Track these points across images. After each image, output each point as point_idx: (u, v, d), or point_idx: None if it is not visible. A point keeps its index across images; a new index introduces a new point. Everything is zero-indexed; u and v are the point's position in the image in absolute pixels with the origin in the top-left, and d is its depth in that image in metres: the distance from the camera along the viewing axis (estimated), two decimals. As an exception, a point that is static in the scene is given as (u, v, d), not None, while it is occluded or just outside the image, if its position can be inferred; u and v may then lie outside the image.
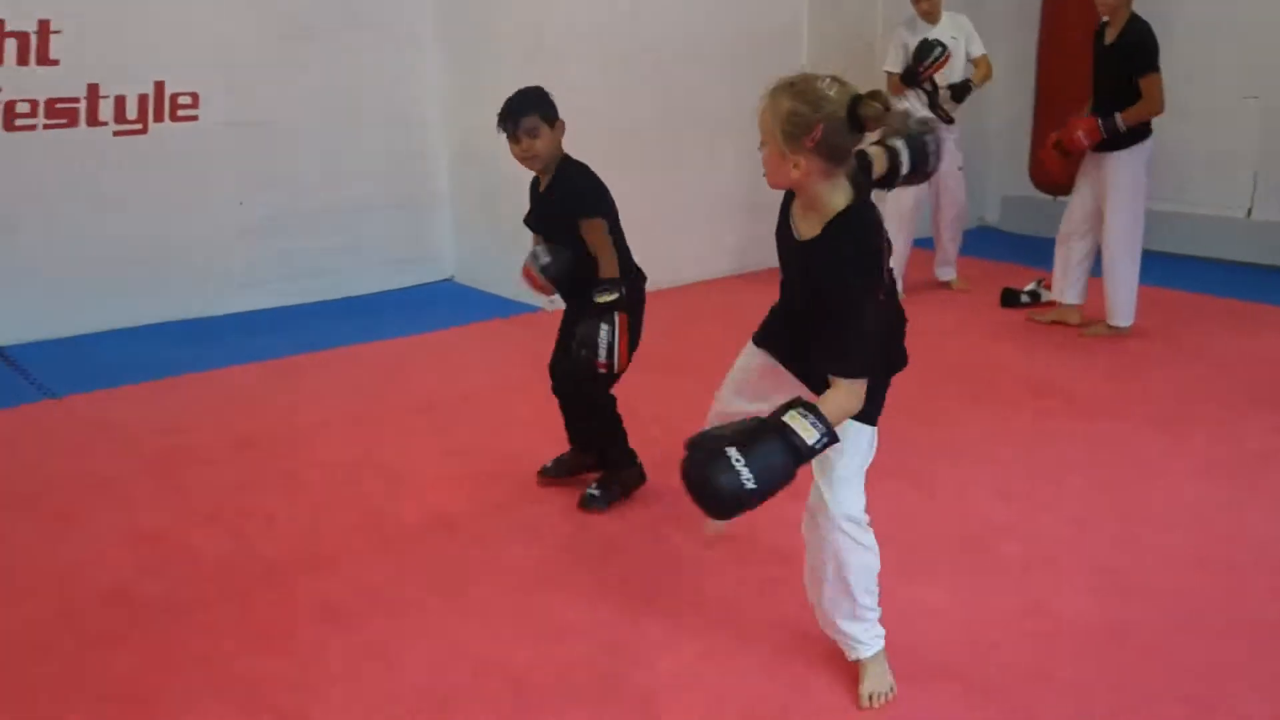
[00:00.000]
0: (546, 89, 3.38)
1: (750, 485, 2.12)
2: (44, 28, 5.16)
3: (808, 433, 2.16)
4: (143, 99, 5.47)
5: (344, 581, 3.13)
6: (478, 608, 3.00)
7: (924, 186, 6.12)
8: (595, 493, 3.57)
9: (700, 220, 6.69)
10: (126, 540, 3.36)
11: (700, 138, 6.56)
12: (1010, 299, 5.96)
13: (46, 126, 5.25)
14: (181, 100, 5.57)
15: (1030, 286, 5.94)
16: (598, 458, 3.66)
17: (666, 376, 4.56)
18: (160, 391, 4.70)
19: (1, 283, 5.25)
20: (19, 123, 5.18)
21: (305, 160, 6.05)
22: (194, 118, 5.64)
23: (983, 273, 6.53)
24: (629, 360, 3.28)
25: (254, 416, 4.43)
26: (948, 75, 5.93)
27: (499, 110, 3.45)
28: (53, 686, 2.64)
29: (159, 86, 5.51)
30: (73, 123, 5.31)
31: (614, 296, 3.25)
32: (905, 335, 2.54)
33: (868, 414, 2.37)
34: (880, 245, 2.28)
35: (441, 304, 6.31)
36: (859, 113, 2.18)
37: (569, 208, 3.38)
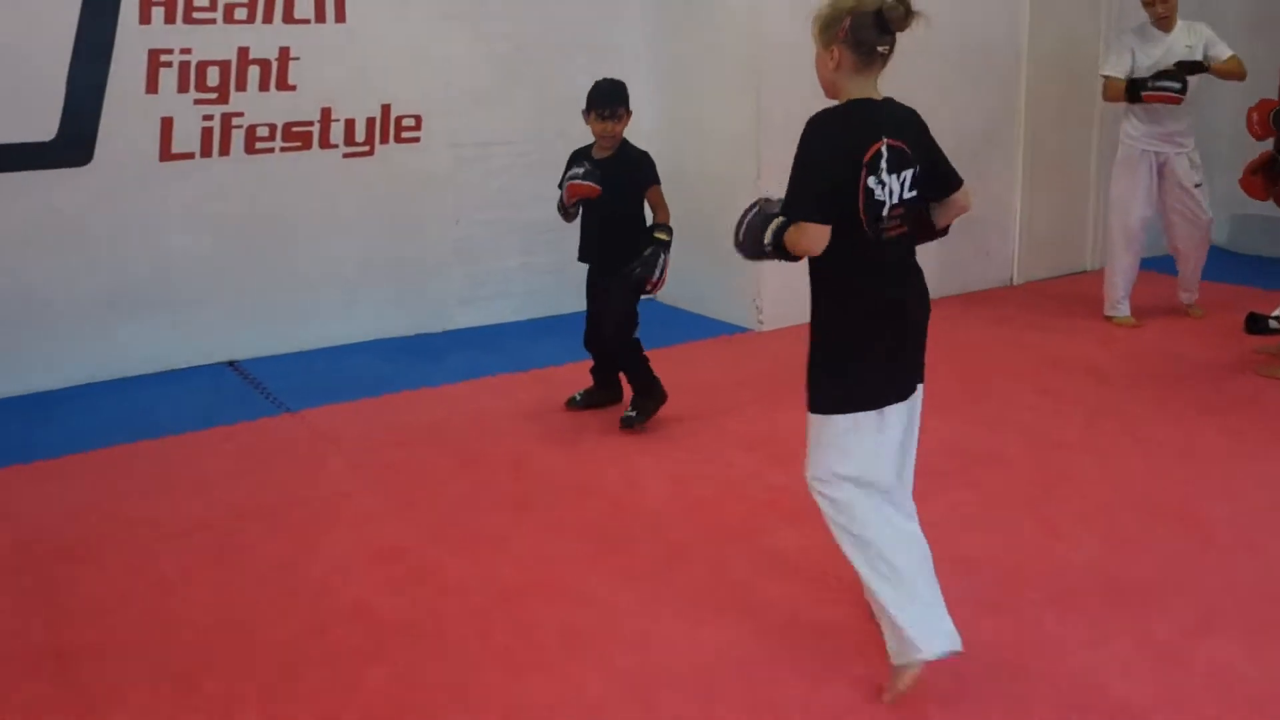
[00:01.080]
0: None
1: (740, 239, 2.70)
2: (284, 54, 5.40)
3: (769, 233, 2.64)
4: (370, 122, 5.67)
5: (585, 607, 3.11)
6: (733, 643, 2.91)
7: (1152, 203, 5.79)
8: (632, 414, 4.51)
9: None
10: (367, 558, 3.43)
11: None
12: (1256, 325, 5.51)
13: (283, 149, 5.49)
14: (406, 123, 5.74)
15: (1278, 311, 5.49)
16: (632, 386, 4.57)
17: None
18: (387, 407, 4.83)
19: (237, 298, 5.51)
20: (259, 145, 5.43)
21: (518, 180, 6.14)
22: (416, 139, 5.81)
23: (1218, 297, 6.11)
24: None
25: (476, 435, 4.49)
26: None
27: (590, 95, 4.51)
28: (312, 705, 2.69)
29: (385, 110, 5.69)
30: (306, 145, 5.54)
31: (670, 236, 4.37)
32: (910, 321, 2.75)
33: (831, 398, 2.66)
34: (833, 136, 2.57)
35: (646, 323, 6.28)
36: (884, 13, 2.54)
37: (640, 175, 4.46)
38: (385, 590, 3.23)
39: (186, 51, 5.18)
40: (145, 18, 5.06)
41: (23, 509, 3.81)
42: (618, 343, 4.53)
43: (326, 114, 5.56)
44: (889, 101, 2.67)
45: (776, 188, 5.86)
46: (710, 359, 5.59)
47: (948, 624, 2.61)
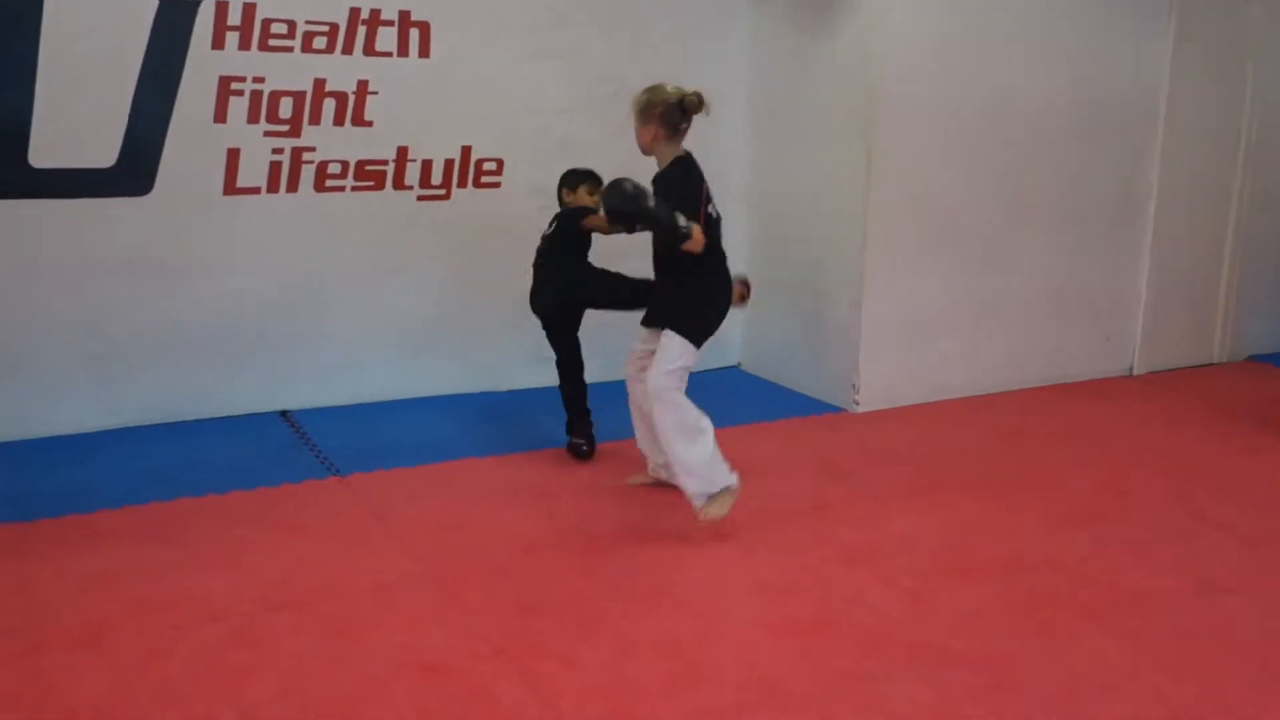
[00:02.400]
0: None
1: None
2: (362, 88, 5.05)
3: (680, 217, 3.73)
4: (449, 164, 5.29)
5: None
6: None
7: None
8: (578, 441, 4.66)
9: (1020, 319, 5.93)
10: (403, 671, 2.95)
11: (1027, 222, 5.86)
12: None
13: (354, 188, 5.13)
14: (487, 166, 5.34)
15: None
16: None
17: (1002, 507, 3.83)
18: (443, 478, 4.38)
19: (294, 343, 5.14)
20: (329, 183, 5.07)
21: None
22: (497, 185, 5.41)
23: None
24: None
25: (538, 516, 4.02)
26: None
27: (583, 171, 4.78)
28: None
29: (465, 152, 5.31)
30: (379, 185, 5.17)
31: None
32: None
33: (686, 329, 3.92)
34: (695, 169, 3.94)
35: (727, 395, 5.79)
36: (683, 102, 3.81)
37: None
38: (426, 713, 2.75)
39: (259, 80, 4.84)
40: (218, 42, 4.74)
41: (40, 576, 3.41)
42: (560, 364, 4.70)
43: (403, 153, 5.18)
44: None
45: (886, 260, 5.38)
46: (800, 442, 5.06)
47: None
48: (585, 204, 4.63)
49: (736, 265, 6.14)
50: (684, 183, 3.83)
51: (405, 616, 3.25)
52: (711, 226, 3.88)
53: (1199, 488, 4.51)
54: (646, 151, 3.92)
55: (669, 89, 3.85)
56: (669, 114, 3.83)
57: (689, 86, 5.83)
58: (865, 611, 3.38)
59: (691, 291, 3.94)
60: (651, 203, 3.68)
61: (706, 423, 3.88)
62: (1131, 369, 6.41)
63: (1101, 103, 5.90)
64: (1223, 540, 3.97)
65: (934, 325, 5.69)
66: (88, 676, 2.86)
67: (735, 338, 6.31)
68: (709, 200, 3.91)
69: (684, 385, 3.91)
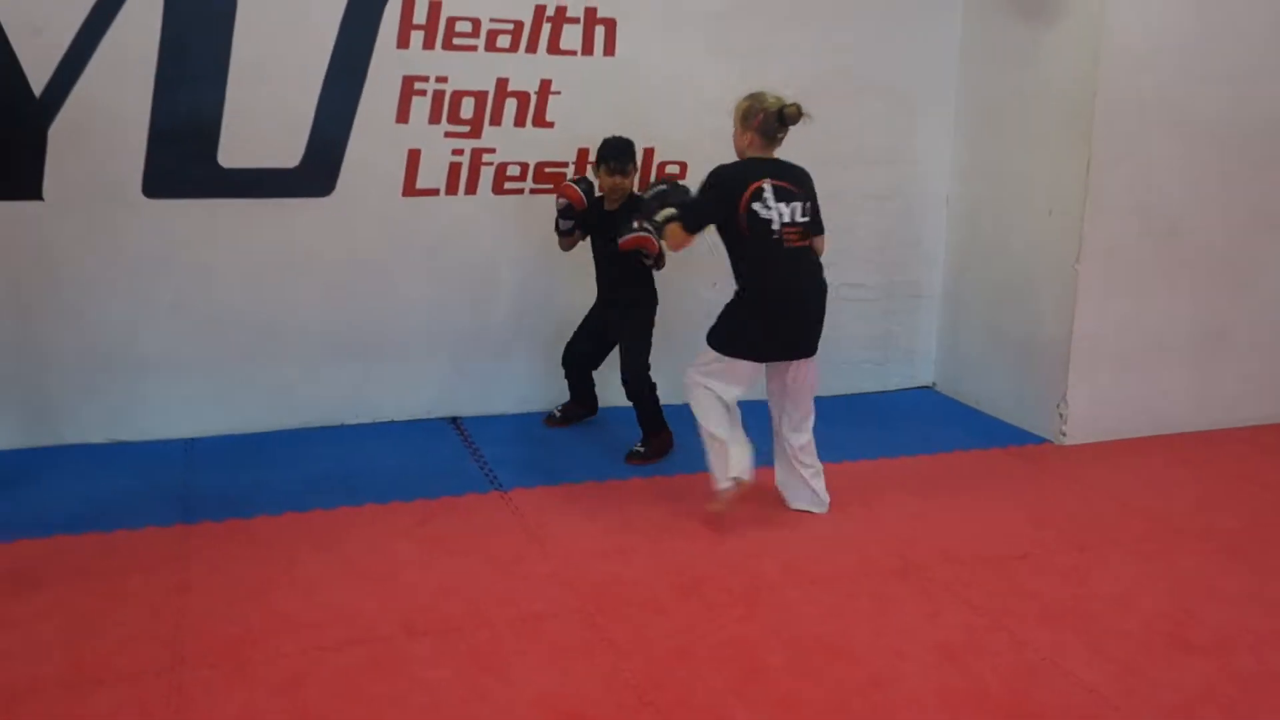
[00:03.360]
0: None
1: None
2: (544, 88, 4.89)
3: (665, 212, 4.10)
4: (630, 166, 5.07)
5: None
6: None
7: None
8: (641, 449, 4.61)
9: (1259, 346, 5.25)
10: (547, 714, 2.74)
11: (1268, 236, 5.20)
12: None
13: (533, 191, 4.98)
14: (669, 169, 5.10)
15: None
16: (644, 426, 4.64)
17: (1231, 567, 3.32)
18: (607, 498, 4.17)
19: (467, 348, 5.05)
20: (508, 185, 4.95)
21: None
22: (679, 188, 5.16)
23: None
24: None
25: (705, 547, 3.75)
26: None
27: (601, 150, 4.63)
28: None
29: (648, 154, 5.08)
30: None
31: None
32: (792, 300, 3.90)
33: (711, 338, 3.98)
34: (723, 179, 3.92)
35: (918, 419, 5.38)
36: (783, 112, 3.85)
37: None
38: (559, 772, 2.53)
39: (442, 80, 4.75)
40: (403, 41, 4.67)
41: (196, 584, 3.39)
42: (638, 385, 4.60)
43: (583, 155, 5.00)
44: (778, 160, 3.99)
45: (1103, 275, 4.84)
46: (997, 477, 4.60)
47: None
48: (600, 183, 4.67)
49: (934, 277, 5.81)
50: (705, 186, 3.93)
51: (551, 653, 3.04)
52: (756, 236, 3.82)
53: None
54: (740, 156, 3.98)
55: (770, 98, 3.88)
56: (767, 123, 3.86)
57: (885, 80, 5.47)
58: (1067, 685, 2.95)
59: (733, 302, 3.95)
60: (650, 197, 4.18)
61: (724, 433, 3.89)
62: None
63: (1259, 121, 5.10)
64: None
65: (1157, 349, 5.10)
66: (224, 697, 2.78)
67: (929, 355, 5.87)
68: (753, 205, 3.82)
69: (714, 385, 3.91)
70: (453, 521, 3.91)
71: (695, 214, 3.93)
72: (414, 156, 4.79)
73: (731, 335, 3.90)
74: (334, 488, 4.16)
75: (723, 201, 3.83)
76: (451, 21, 4.71)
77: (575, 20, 4.88)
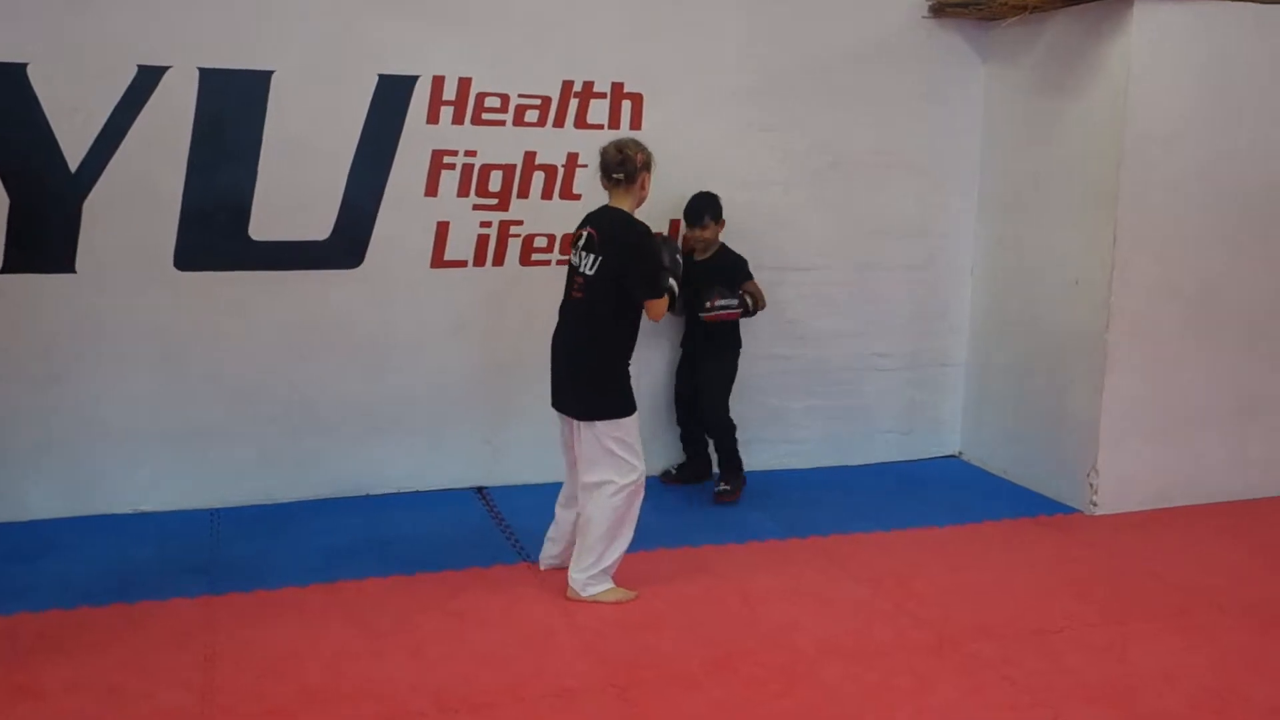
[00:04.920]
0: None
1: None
2: (571, 161, 4.96)
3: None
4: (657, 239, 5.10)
5: None
6: None
7: None
8: (727, 488, 4.94)
9: (1211, 421, 5.18)
10: (583, 794, 2.69)
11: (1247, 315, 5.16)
12: None
13: (559, 262, 5.01)
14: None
15: None
16: (722, 462, 5.01)
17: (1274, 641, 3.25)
18: (640, 568, 4.10)
19: (495, 418, 5.05)
20: (535, 257, 4.99)
21: (812, 311, 5.41)
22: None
23: None
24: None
25: (741, 622, 3.69)
26: None
27: (687, 205, 4.95)
28: None
29: (674, 226, 5.12)
30: (586, 259, 5.04)
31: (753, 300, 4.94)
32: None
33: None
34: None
35: (946, 488, 5.33)
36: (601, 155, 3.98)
37: (738, 273, 4.99)
38: None
39: (471, 154, 4.83)
40: (433, 117, 4.76)
41: (223, 656, 3.35)
42: (720, 426, 4.97)
43: (610, 226, 5.04)
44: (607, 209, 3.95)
45: (1133, 343, 4.81)
46: (1029, 548, 4.54)
47: None
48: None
49: (959, 346, 5.80)
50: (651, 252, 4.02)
51: (583, 730, 2.99)
52: (568, 281, 3.98)
53: None
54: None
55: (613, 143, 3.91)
56: (601, 161, 3.91)
57: (910, 155, 5.39)
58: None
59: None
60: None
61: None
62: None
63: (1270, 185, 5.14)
64: None
65: (1188, 417, 5.06)
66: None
67: (956, 423, 5.84)
68: (571, 246, 3.98)
69: None
70: (481, 593, 3.87)
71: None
72: (443, 228, 4.84)
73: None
74: (361, 558, 4.13)
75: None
76: (481, 97, 4.80)
77: (603, 95, 4.96)
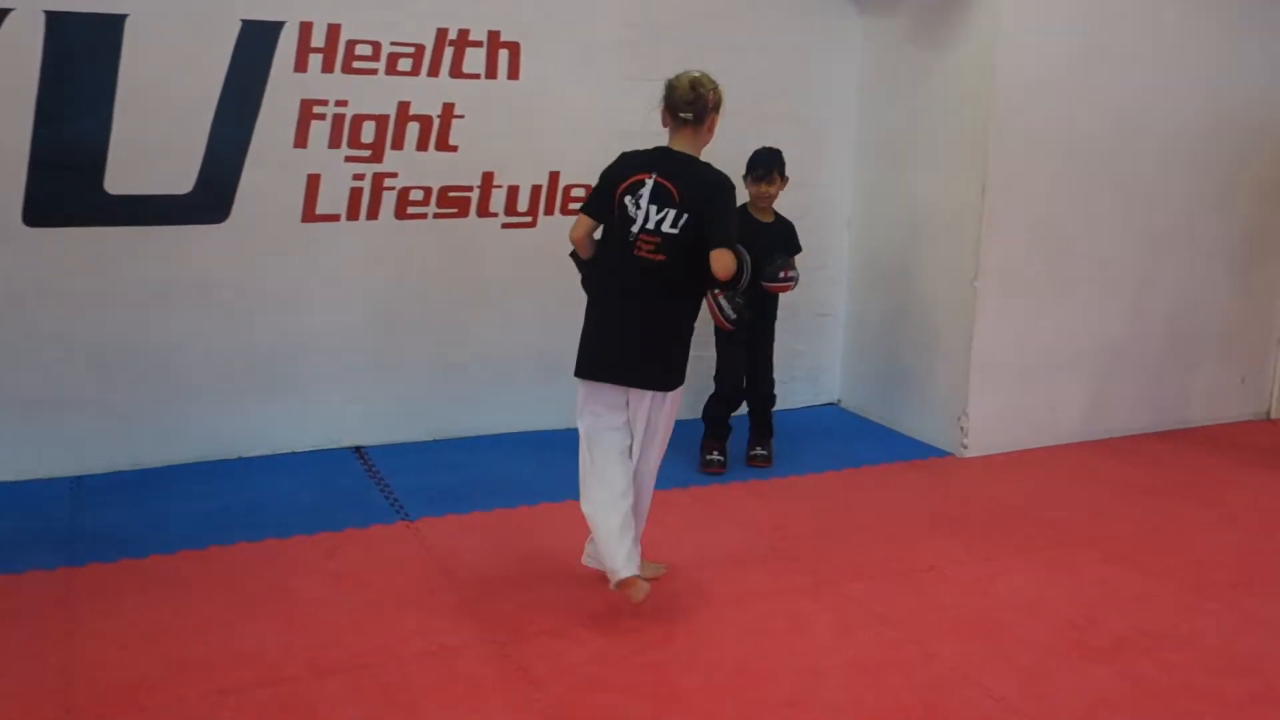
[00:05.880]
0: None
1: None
2: (447, 111, 4.84)
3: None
4: (536, 190, 5.05)
5: None
6: None
7: None
8: (765, 453, 4.93)
9: (1148, 358, 5.44)
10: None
11: (1156, 254, 5.39)
12: None
13: (437, 215, 4.92)
14: (575, 193, 5.08)
15: None
16: (764, 429, 4.98)
17: (1130, 572, 3.39)
18: (520, 525, 4.11)
19: (372, 377, 4.94)
20: (411, 210, 4.88)
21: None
22: (585, 211, 5.15)
23: None
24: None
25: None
26: None
27: (752, 160, 4.76)
28: None
29: (553, 177, 5.06)
30: (463, 213, 4.96)
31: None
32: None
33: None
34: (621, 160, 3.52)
35: (824, 435, 5.43)
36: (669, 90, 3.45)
37: (792, 244, 4.89)
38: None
39: (342, 104, 4.67)
40: (301, 65, 4.58)
41: (84, 630, 3.22)
42: (771, 393, 4.97)
43: (488, 179, 4.96)
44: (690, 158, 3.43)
45: (1001, 292, 4.98)
46: (903, 490, 4.67)
47: None
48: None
49: (838, 297, 5.91)
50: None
51: (465, 687, 2.97)
52: (620, 233, 3.39)
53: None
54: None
55: (682, 76, 3.46)
56: (669, 99, 3.46)
57: (789, 106, 5.41)
58: (977, 696, 2.99)
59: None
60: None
61: (589, 503, 3.43)
62: (1269, 413, 5.87)
63: (1239, 125, 5.43)
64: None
65: (1052, 363, 5.25)
66: (120, 746, 2.66)
67: (835, 372, 5.95)
68: (610, 192, 3.42)
69: (587, 431, 3.49)
70: (358, 554, 3.80)
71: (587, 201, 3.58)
72: (313, 181, 4.69)
73: (580, 350, 3.52)
74: (232, 523, 4.01)
75: (601, 181, 3.49)
76: (351, 45, 4.64)
77: (479, 44, 4.84)
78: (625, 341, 3.39)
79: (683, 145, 3.43)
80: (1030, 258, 5.08)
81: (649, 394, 3.38)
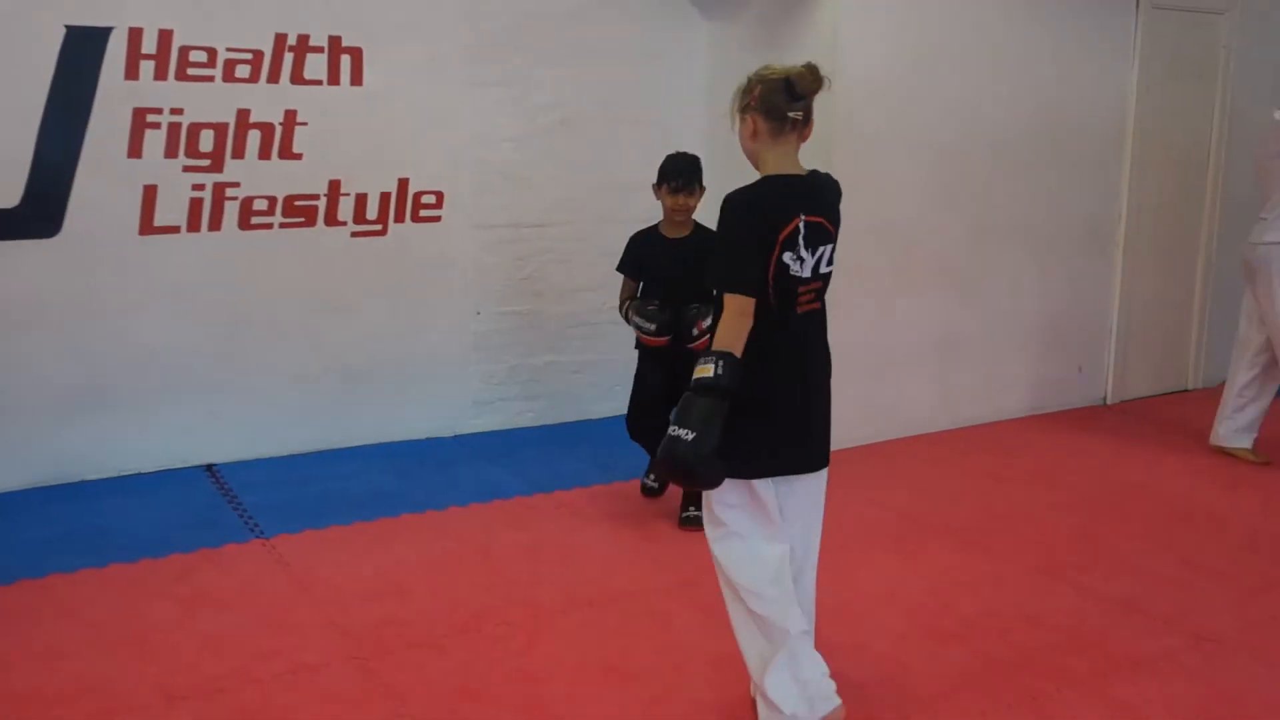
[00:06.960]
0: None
1: (690, 437, 2.42)
2: (289, 118, 4.73)
3: (705, 370, 2.45)
4: (385, 197, 4.97)
5: None
6: None
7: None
8: (697, 513, 3.90)
9: (990, 350, 5.70)
10: (324, 770, 2.62)
11: (995, 250, 5.63)
12: None
13: (283, 225, 4.80)
14: (425, 200, 5.04)
15: None
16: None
17: (980, 557, 3.55)
18: (381, 537, 4.04)
19: (220, 393, 4.79)
20: (255, 220, 4.74)
21: (550, 268, 5.42)
22: (437, 219, 5.10)
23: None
24: None
25: (487, 582, 3.68)
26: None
27: (666, 167, 4.16)
28: None
29: (402, 184, 5.00)
30: (310, 222, 4.85)
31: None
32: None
33: (735, 467, 2.55)
34: (753, 210, 2.62)
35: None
36: (792, 80, 2.63)
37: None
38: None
39: (178, 112, 4.52)
40: (132, 72, 4.42)
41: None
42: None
43: (335, 187, 4.87)
44: (812, 174, 2.74)
45: (846, 291, 5.13)
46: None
47: None
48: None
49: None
50: (724, 240, 2.64)
51: (326, 705, 2.91)
52: (781, 299, 2.58)
53: (1184, 529, 4.26)
54: (757, 166, 2.80)
55: (773, 68, 2.72)
56: (771, 95, 2.68)
57: (637, 111, 5.42)
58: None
59: (743, 399, 2.53)
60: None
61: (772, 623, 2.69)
62: (1105, 399, 6.20)
63: (1068, 125, 5.71)
64: (1215, 589, 3.71)
65: (900, 357, 5.44)
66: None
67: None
68: (782, 250, 2.57)
69: (732, 535, 2.69)
70: (210, 576, 3.68)
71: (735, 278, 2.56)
72: (150, 193, 4.52)
73: (739, 441, 2.54)
74: (75, 549, 3.83)
75: (748, 237, 2.59)
76: (185, 51, 4.50)
77: (319, 49, 4.75)
78: (815, 416, 2.71)
79: (793, 156, 2.73)
80: (876, 254, 5.25)
81: (824, 470, 2.78)
